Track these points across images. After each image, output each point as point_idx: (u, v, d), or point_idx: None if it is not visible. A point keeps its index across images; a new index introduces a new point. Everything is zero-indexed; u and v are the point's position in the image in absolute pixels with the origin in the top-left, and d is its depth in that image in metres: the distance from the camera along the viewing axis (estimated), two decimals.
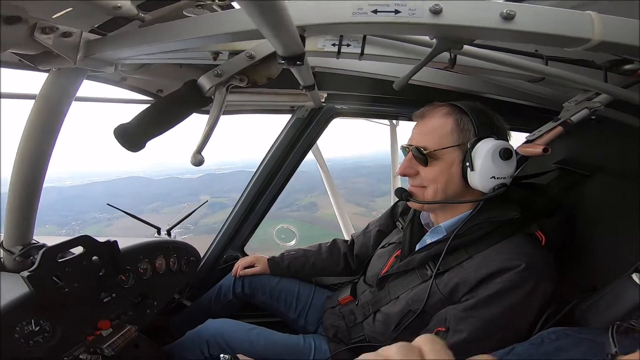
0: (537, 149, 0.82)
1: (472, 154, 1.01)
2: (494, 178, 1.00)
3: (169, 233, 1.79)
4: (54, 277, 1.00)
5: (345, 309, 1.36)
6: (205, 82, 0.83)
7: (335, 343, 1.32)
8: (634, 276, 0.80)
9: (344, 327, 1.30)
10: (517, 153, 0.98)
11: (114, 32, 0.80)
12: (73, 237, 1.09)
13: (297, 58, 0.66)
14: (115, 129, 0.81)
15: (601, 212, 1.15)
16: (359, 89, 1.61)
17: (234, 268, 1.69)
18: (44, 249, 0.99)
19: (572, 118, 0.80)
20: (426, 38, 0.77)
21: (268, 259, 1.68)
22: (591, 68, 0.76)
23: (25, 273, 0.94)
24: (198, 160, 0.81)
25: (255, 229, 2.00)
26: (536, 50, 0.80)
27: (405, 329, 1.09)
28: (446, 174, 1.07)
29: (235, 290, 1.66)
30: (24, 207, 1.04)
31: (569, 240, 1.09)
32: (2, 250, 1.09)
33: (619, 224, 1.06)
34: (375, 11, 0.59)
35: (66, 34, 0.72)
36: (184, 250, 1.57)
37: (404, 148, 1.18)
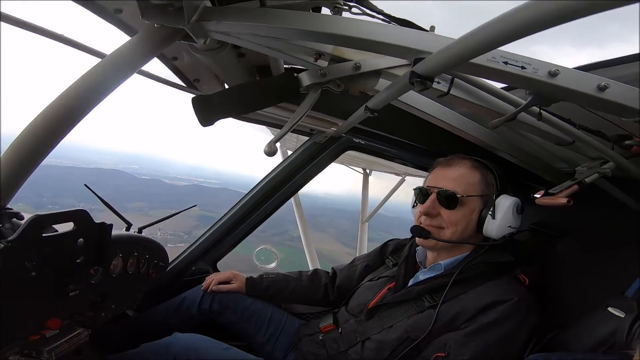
0: (560, 200, 1.00)
1: (495, 205, 1.19)
2: (510, 227, 1.20)
3: (140, 232, 1.56)
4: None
5: (327, 337, 1.36)
6: (305, 77, 0.83)
7: None
8: (610, 309, 0.98)
9: (324, 355, 1.31)
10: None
11: (234, 5, 0.76)
12: (68, 209, 0.92)
13: (429, 79, 0.70)
14: (193, 98, 0.78)
15: (569, 263, 1.37)
16: (380, 127, 1.64)
17: (206, 282, 1.59)
18: (33, 216, 0.81)
19: (585, 179, 1.01)
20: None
21: (247, 278, 1.61)
22: (602, 139, 0.95)
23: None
24: (272, 150, 0.81)
25: (234, 247, 1.86)
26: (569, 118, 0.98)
27: (401, 356, 1.14)
28: (467, 219, 1.23)
29: (202, 305, 1.55)
30: (23, 165, 0.76)
31: (544, 283, 1.29)
32: None
33: (585, 274, 1.29)
34: (506, 62, 0.70)
35: None
36: (157, 253, 1.41)
37: (424, 190, 1.29)
